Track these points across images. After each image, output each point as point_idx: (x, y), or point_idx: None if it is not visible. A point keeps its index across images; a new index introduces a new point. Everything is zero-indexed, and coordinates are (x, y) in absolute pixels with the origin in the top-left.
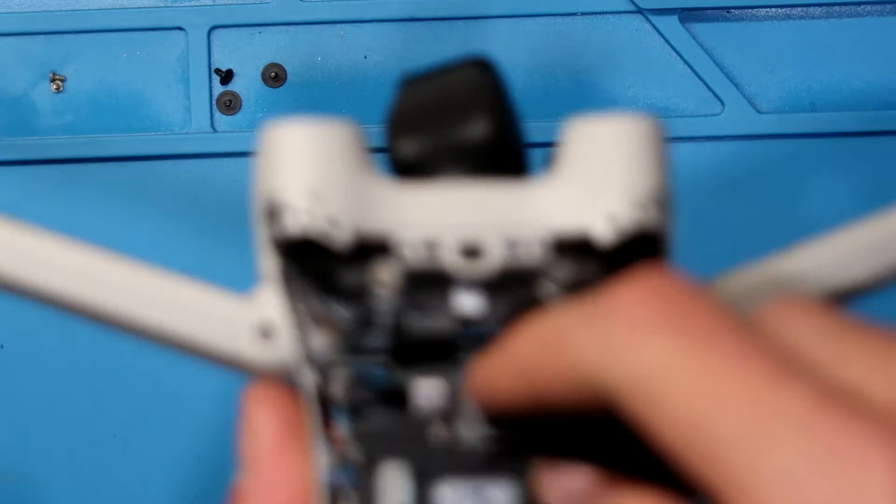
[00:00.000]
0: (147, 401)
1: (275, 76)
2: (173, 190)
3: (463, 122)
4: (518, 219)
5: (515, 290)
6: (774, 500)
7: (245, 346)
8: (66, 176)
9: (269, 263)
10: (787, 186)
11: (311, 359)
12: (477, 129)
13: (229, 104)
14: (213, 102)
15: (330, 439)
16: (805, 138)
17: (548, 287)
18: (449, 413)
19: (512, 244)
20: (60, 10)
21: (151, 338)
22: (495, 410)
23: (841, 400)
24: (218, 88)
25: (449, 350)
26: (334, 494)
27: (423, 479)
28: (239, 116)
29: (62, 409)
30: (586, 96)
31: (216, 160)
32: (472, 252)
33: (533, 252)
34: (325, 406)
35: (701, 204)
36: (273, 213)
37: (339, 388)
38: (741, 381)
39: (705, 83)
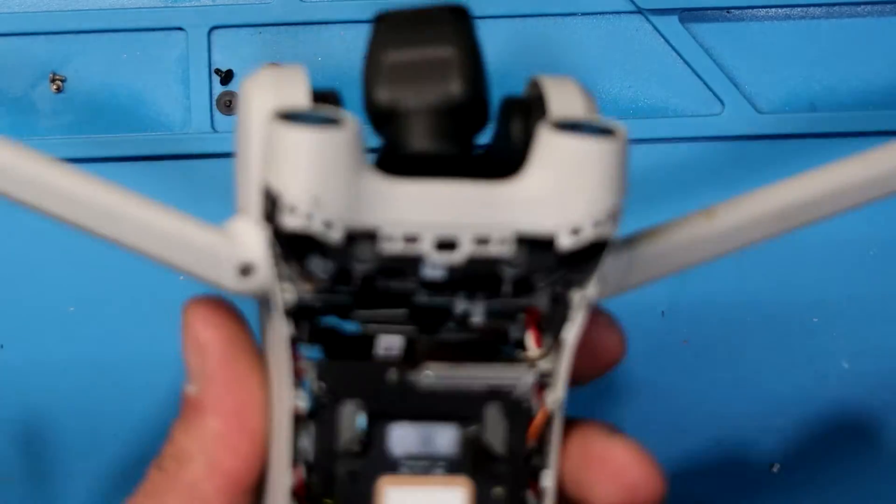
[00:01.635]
0: (147, 401)
1: None
2: (173, 190)
3: (439, 82)
4: (490, 220)
5: (479, 268)
6: None
7: (226, 278)
8: None
9: (255, 210)
10: None
11: (286, 308)
12: (452, 89)
13: (229, 104)
14: (213, 102)
15: (296, 372)
16: (805, 138)
17: (504, 269)
18: (403, 363)
19: (482, 241)
20: (60, 10)
21: (139, 255)
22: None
23: None
24: (218, 88)
25: (404, 302)
26: (298, 425)
27: (377, 419)
28: None
29: (62, 409)
30: None
31: (216, 160)
32: (445, 246)
33: (499, 248)
34: (294, 343)
35: (701, 204)
36: (273, 204)
37: (308, 331)
38: None
39: (705, 83)
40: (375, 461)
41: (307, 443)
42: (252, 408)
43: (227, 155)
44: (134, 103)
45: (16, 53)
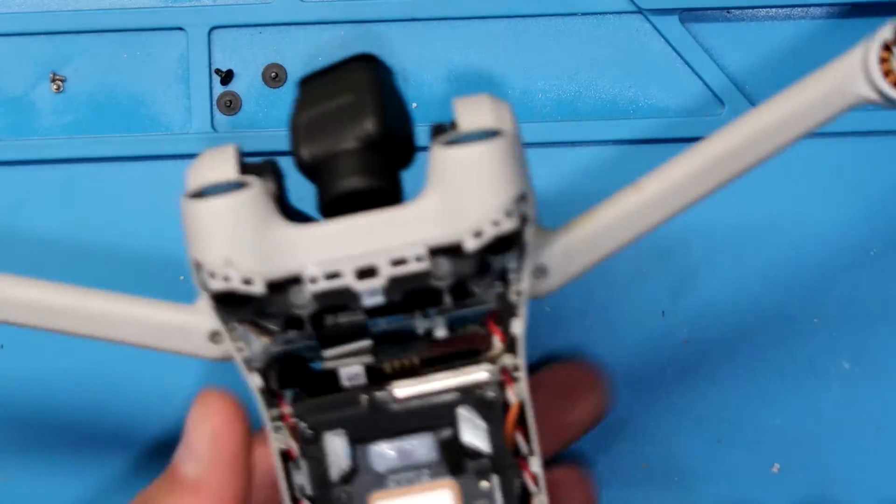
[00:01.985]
0: (147, 401)
1: (275, 76)
2: (174, 190)
3: (352, 125)
4: (400, 241)
5: (409, 284)
6: None
7: (200, 348)
8: (66, 176)
9: (205, 301)
10: (787, 186)
11: (250, 363)
12: (364, 128)
13: (230, 104)
14: (214, 103)
15: (282, 419)
16: (805, 138)
17: (434, 282)
18: (372, 388)
19: (398, 262)
20: (60, 10)
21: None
22: None
23: None
24: (218, 89)
25: (361, 333)
26: (287, 465)
27: (358, 444)
28: (239, 117)
29: (62, 409)
30: (586, 96)
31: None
32: (366, 274)
33: (416, 264)
34: (272, 394)
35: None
36: (198, 271)
37: (277, 379)
38: None
39: (705, 83)
40: (364, 482)
41: (304, 480)
42: (245, 500)
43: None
44: (134, 103)
45: (16, 53)
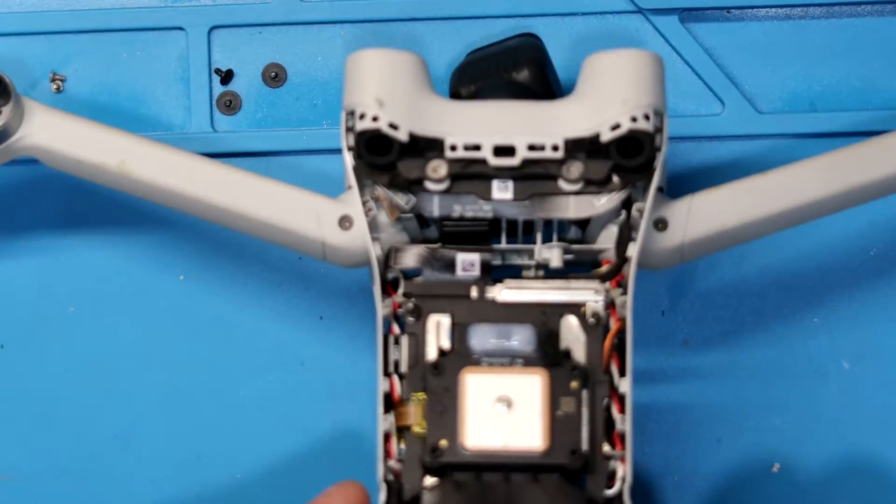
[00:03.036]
0: (147, 401)
1: (275, 76)
2: None
3: (510, 69)
4: (541, 128)
5: (537, 181)
6: None
7: (329, 232)
8: (67, 176)
9: (348, 164)
10: None
11: (376, 237)
12: (523, 74)
13: (229, 104)
14: (214, 102)
15: (392, 303)
16: (805, 138)
17: (563, 182)
18: (482, 280)
19: (535, 147)
20: (60, 10)
21: (256, 231)
22: None
23: None
24: (218, 88)
25: (483, 238)
26: (388, 339)
27: (461, 326)
28: (239, 116)
29: (62, 409)
30: None
31: (216, 160)
32: (503, 151)
33: (551, 152)
34: (386, 272)
35: None
36: (349, 116)
37: (398, 258)
38: None
39: (705, 83)
40: (458, 357)
41: (401, 355)
42: None
43: (227, 154)
44: (134, 103)
45: (16, 53)
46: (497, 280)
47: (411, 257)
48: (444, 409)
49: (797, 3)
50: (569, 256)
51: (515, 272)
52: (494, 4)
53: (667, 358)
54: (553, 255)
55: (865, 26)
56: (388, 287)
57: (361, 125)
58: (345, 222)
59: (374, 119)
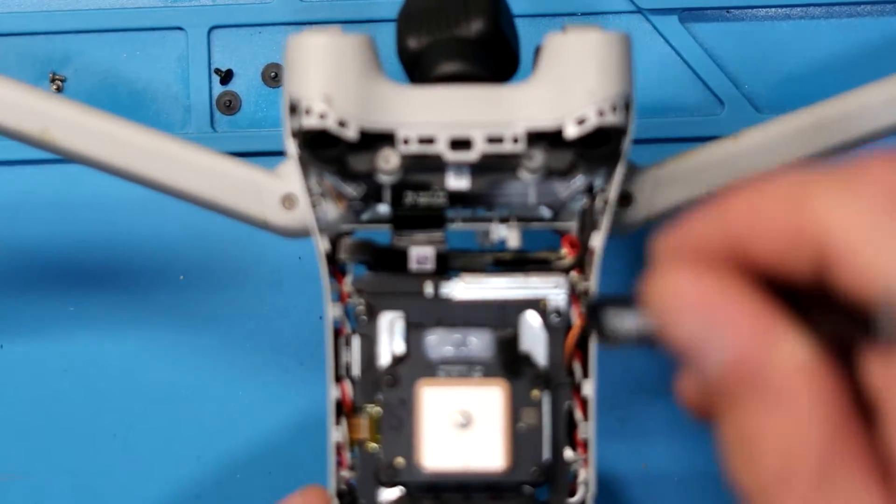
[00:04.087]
0: (147, 401)
1: (275, 76)
2: None
3: (461, 21)
4: (500, 118)
5: (497, 171)
6: None
7: (271, 212)
8: (67, 176)
9: (291, 147)
10: None
11: (322, 227)
12: (474, 27)
13: (229, 104)
14: (213, 102)
15: (340, 293)
16: None
17: (523, 173)
18: (437, 275)
19: (494, 139)
20: (60, 10)
21: (195, 203)
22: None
23: None
24: (218, 88)
25: (438, 222)
26: (340, 340)
27: (415, 328)
28: (239, 116)
29: (62, 410)
30: None
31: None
32: (460, 145)
33: (511, 145)
34: (335, 265)
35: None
36: (294, 111)
37: (346, 251)
38: None
39: (705, 83)
40: (414, 367)
41: (353, 358)
42: None
43: (227, 154)
44: (134, 103)
45: (15, 53)
46: (452, 274)
47: (361, 250)
48: (400, 423)
49: (797, 3)
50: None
51: (473, 265)
52: None
53: (667, 358)
54: (511, 235)
55: (865, 26)
56: (336, 273)
57: (307, 122)
58: (287, 202)
59: (322, 116)
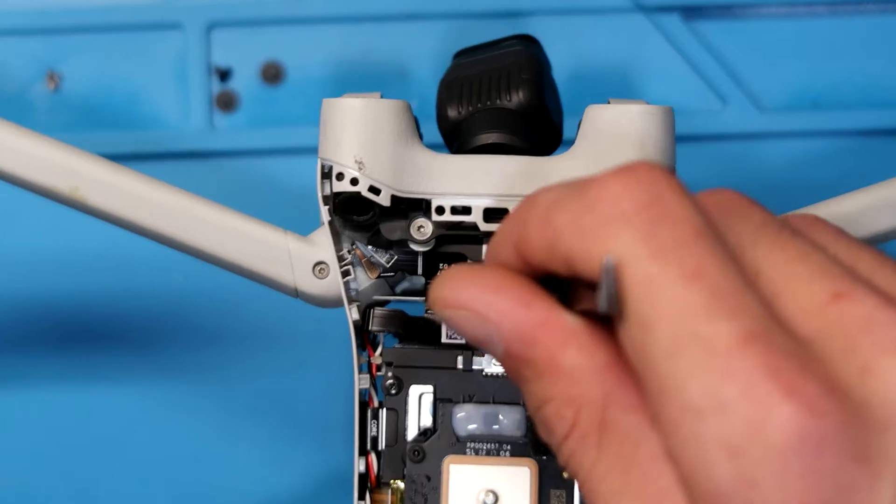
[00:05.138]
0: (146, 401)
1: (274, 74)
2: None
3: (503, 92)
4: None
5: None
6: (686, 426)
7: (302, 279)
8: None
9: (324, 213)
10: (789, 185)
11: (355, 298)
12: (515, 98)
13: (228, 102)
14: (212, 101)
15: (370, 365)
16: (808, 136)
17: None
18: (470, 349)
19: None
20: (57, 8)
21: (225, 267)
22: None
23: (767, 339)
24: (216, 86)
25: None
26: (367, 413)
27: (444, 403)
28: (237, 115)
29: (61, 410)
30: (587, 94)
31: (214, 159)
32: (494, 216)
33: None
34: (366, 336)
35: None
36: (326, 175)
37: (377, 322)
38: (684, 298)
39: (707, 81)
40: (441, 442)
41: (380, 432)
42: None
43: (226, 153)
44: (132, 101)
45: (12, 51)
46: None
47: (392, 322)
48: (425, 500)
49: (800, 1)
50: None
51: None
52: (494, 2)
53: None
54: None
55: (869, 24)
56: (367, 343)
57: (339, 186)
58: (319, 270)
59: (354, 182)
